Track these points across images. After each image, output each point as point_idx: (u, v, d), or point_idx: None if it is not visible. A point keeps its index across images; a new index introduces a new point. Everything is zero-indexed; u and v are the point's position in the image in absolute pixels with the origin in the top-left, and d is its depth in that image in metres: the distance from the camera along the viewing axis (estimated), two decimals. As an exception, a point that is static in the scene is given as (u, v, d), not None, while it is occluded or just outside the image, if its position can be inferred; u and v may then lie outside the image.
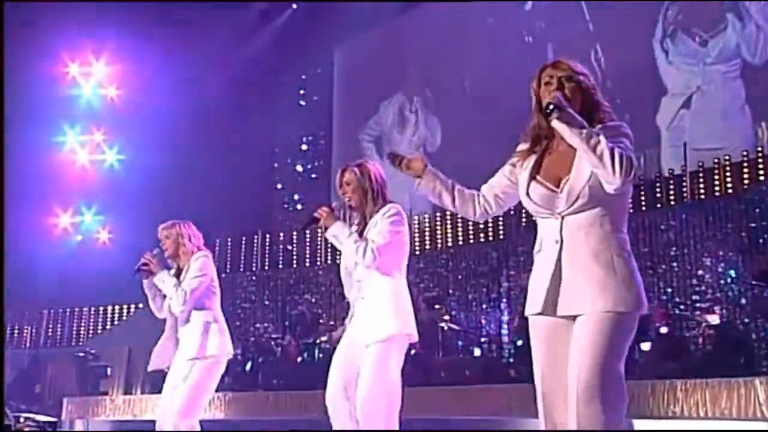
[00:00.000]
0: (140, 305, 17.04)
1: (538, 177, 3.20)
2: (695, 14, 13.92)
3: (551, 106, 2.85)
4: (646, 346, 8.63)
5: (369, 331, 4.23)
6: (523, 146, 3.33)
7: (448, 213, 14.70)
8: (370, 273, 4.26)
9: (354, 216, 4.53)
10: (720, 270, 10.48)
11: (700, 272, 10.80)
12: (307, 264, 16.16)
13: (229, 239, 17.23)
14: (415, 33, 17.18)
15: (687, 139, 13.08)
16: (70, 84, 19.29)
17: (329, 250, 15.63)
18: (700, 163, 12.18)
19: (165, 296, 5.48)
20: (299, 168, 18.97)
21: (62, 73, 19.09)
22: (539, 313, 3.11)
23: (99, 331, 17.86)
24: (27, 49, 17.09)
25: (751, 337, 8.96)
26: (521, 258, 12.51)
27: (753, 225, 10.60)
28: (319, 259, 16.21)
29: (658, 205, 12.12)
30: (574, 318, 3.03)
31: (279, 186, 18.98)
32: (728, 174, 11.78)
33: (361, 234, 4.29)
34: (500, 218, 12.90)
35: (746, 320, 9.43)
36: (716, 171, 11.89)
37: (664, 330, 9.20)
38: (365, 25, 17.45)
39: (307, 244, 16.45)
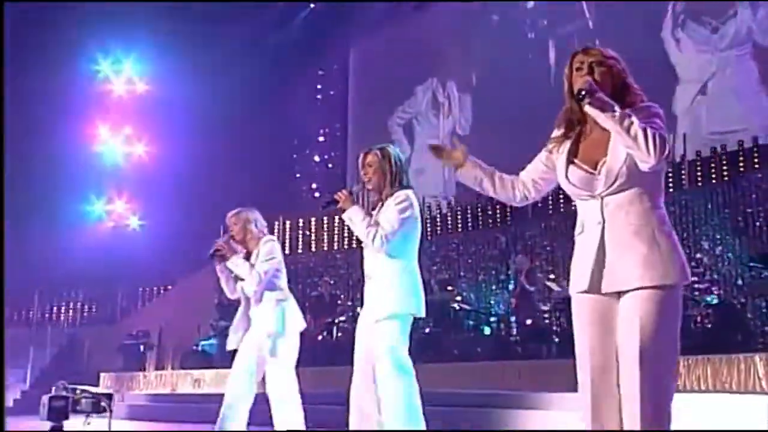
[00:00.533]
0: (168, 287, 17.30)
1: (576, 161, 3.16)
2: (705, 3, 13.81)
3: (583, 92, 2.82)
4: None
5: (377, 309, 4.28)
6: (557, 132, 3.27)
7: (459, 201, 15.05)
8: (379, 255, 4.30)
9: (374, 198, 4.57)
10: (717, 253, 10.42)
11: (698, 255, 10.68)
12: (326, 248, 16.10)
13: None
14: (426, 30, 17.05)
15: (704, 124, 13.17)
16: (102, 81, 19.32)
17: (347, 235, 15.61)
18: (723, 146, 12.16)
19: (237, 279, 5.54)
20: (316, 158, 18.99)
21: (94, 70, 19.12)
22: (585, 291, 3.05)
23: (131, 312, 17.73)
24: (60, 48, 17.31)
25: (748, 316, 8.81)
26: (528, 242, 12.58)
27: (749, 210, 10.63)
28: (337, 243, 16.15)
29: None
30: (619, 294, 3.00)
31: (297, 175, 18.96)
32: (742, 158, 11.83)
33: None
34: (507, 206, 12.68)
35: (743, 300, 9.31)
36: (722, 158, 11.98)
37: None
38: (378, 25, 17.44)
39: (325, 230, 16.46)
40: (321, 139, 18.91)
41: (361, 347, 4.38)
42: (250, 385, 5.38)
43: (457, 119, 16.84)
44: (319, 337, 12.69)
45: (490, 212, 13.89)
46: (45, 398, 3.67)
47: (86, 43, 18.61)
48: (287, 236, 17.01)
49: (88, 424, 3.59)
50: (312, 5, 18.22)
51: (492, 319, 11.43)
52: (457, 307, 11.33)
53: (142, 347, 14.40)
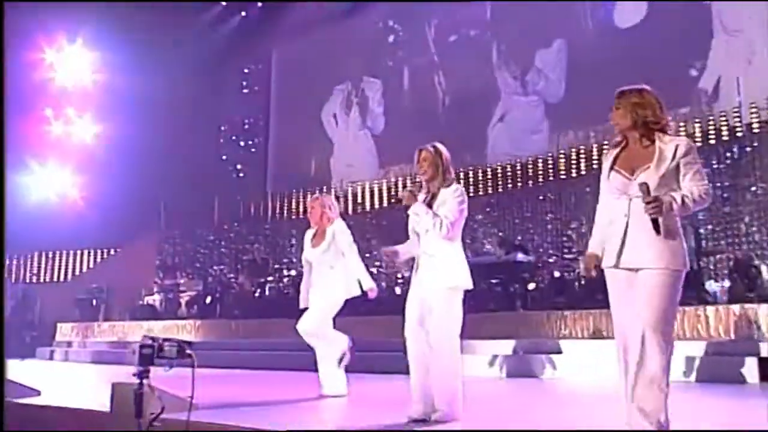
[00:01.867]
0: (111, 251, 17.21)
1: (616, 167, 3.50)
2: (516, 52, 14.84)
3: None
4: (532, 285, 9.57)
5: (441, 279, 4.37)
6: (612, 145, 3.70)
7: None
8: (439, 239, 4.42)
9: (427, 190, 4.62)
10: (583, 231, 11.11)
11: (569, 232, 11.70)
12: (256, 219, 16.19)
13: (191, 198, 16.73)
14: (341, 38, 17.25)
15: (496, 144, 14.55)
16: (48, 68, 18.62)
17: (273, 208, 16.11)
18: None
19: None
20: (241, 143, 18.86)
21: (39, 59, 18.45)
22: (614, 266, 3.47)
23: (77, 272, 17.50)
24: (7, 34, 16.72)
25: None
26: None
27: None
28: (267, 216, 16.31)
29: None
30: (636, 270, 3.39)
31: (224, 157, 18.80)
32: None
33: (429, 204, 4.46)
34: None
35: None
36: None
37: (556, 274, 10.30)
38: (299, 31, 17.49)
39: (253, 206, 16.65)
40: (246, 127, 18.79)
41: (415, 312, 4.48)
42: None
43: (367, 117, 17.18)
44: (256, 294, 13.03)
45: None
46: (135, 346, 4.00)
47: (32, 31, 17.72)
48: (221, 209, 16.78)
49: (168, 369, 3.97)
50: (243, 13, 18.06)
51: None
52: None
53: (95, 301, 14.31)
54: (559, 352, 7.41)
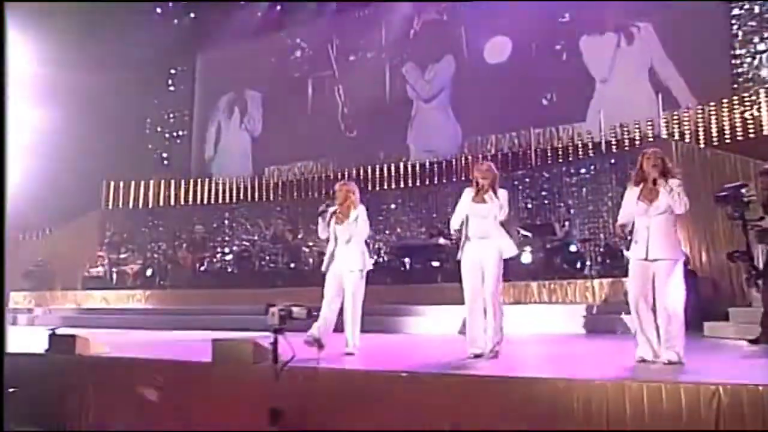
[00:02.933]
0: (47, 230, 16.53)
1: (641, 199, 4.72)
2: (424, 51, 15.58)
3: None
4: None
5: (504, 251, 5.18)
6: (631, 183, 4.86)
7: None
8: (495, 222, 5.19)
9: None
10: None
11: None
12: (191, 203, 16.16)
13: (133, 182, 16.54)
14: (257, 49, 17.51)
15: (413, 144, 15.20)
16: None
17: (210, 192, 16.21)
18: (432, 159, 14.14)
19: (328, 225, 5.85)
20: (166, 134, 18.72)
21: None
22: (642, 259, 4.65)
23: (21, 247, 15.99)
24: None
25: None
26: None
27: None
28: (202, 199, 16.29)
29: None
30: (654, 260, 4.59)
31: (149, 146, 18.63)
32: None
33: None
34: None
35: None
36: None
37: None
38: (219, 40, 17.50)
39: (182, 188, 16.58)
40: (171, 120, 18.73)
41: (477, 274, 5.17)
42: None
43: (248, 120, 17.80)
44: (200, 268, 13.48)
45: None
46: (275, 309, 4.19)
47: None
48: (154, 192, 16.54)
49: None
50: (175, 21, 18.02)
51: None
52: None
53: (44, 273, 14.36)
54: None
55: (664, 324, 4.47)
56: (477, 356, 5.05)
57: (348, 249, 5.78)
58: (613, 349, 6.04)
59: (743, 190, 5.89)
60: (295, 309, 4.32)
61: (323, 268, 5.90)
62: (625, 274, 5.04)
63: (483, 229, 5.20)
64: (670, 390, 3.34)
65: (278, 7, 17.17)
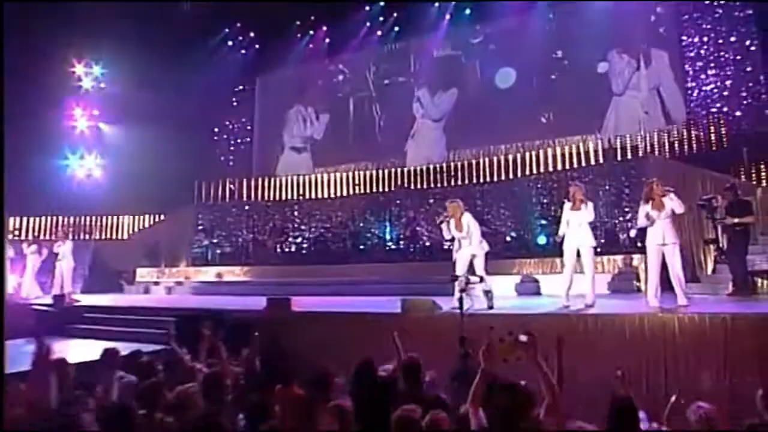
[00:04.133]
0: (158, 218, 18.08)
1: (650, 209, 6.50)
2: (439, 79, 17.35)
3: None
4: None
5: (588, 240, 7.04)
6: (642, 201, 6.65)
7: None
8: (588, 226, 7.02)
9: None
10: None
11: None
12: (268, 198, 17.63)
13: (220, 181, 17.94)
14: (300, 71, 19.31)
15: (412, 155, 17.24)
16: (77, 78, 19.76)
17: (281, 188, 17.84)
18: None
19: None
20: (231, 142, 20.36)
21: (71, 71, 19.62)
22: (661, 244, 6.46)
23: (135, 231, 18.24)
24: (49, 53, 17.62)
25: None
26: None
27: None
28: (276, 194, 17.85)
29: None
30: (664, 245, 6.44)
31: (217, 151, 20.32)
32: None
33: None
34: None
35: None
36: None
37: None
38: (275, 65, 19.39)
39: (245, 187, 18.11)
40: (235, 130, 20.31)
41: (573, 254, 7.02)
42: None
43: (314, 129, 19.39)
44: (279, 249, 15.38)
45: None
46: (463, 279, 6.18)
47: (66, 53, 19.11)
48: (237, 189, 17.97)
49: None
50: (242, 51, 19.63)
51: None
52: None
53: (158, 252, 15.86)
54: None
55: (676, 282, 6.53)
56: (566, 306, 7.12)
57: (469, 242, 7.50)
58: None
59: (713, 201, 8.15)
60: (471, 277, 6.60)
61: (454, 254, 7.62)
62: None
63: (578, 233, 7.15)
64: (694, 318, 5.60)
65: (326, 39, 18.93)
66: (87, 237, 17.46)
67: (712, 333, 5.36)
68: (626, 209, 11.78)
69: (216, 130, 20.49)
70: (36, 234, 17.72)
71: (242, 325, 7.01)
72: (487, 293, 7.40)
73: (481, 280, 6.61)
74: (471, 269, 7.45)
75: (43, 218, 18.19)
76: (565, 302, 7.15)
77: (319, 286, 12.24)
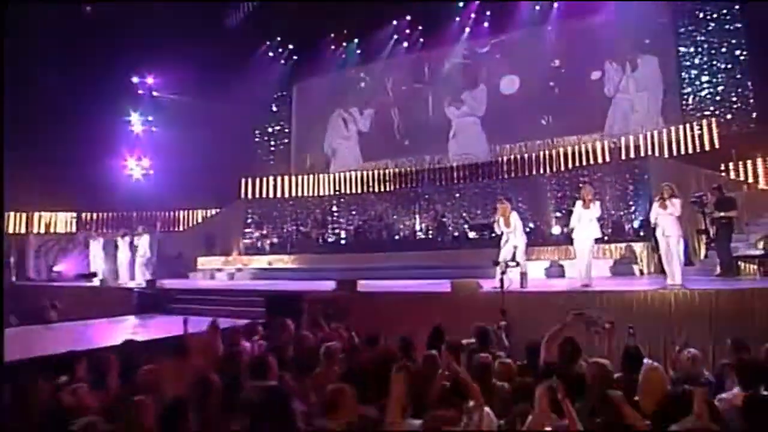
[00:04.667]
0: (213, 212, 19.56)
1: (660, 207, 7.46)
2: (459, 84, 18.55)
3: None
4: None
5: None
6: (654, 200, 7.68)
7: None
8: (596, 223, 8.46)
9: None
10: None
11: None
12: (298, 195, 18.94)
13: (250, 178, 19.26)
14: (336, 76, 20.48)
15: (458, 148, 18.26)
16: (134, 88, 21.15)
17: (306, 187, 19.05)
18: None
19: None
20: (271, 142, 21.59)
21: (130, 82, 21.03)
22: (663, 236, 7.52)
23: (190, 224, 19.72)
24: (109, 67, 18.82)
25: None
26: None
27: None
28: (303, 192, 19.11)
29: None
30: (668, 236, 7.45)
31: (258, 151, 21.55)
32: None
33: None
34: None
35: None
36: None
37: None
38: (308, 75, 20.66)
39: (287, 184, 19.26)
40: (275, 132, 21.59)
41: (589, 242, 8.49)
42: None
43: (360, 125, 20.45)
44: (321, 240, 16.62)
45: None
46: (504, 263, 7.62)
47: (125, 67, 20.30)
48: (280, 185, 19.21)
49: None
50: (282, 61, 20.81)
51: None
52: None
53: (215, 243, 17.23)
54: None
55: (677, 266, 7.66)
56: (585, 285, 8.40)
57: (515, 235, 8.74)
58: (641, 281, 9.53)
59: (703, 197, 9.41)
60: (510, 263, 7.91)
61: (502, 244, 8.77)
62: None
63: (588, 222, 8.38)
64: (687, 293, 6.91)
65: (358, 50, 20.16)
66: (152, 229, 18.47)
67: (700, 304, 6.65)
68: (630, 203, 13.06)
69: (257, 132, 21.77)
70: (103, 228, 19.23)
71: (318, 301, 8.34)
72: (523, 275, 8.65)
73: (517, 264, 7.91)
74: (512, 256, 8.67)
75: (109, 213, 19.74)
76: (584, 282, 8.43)
77: (359, 272, 13.31)
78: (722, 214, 8.96)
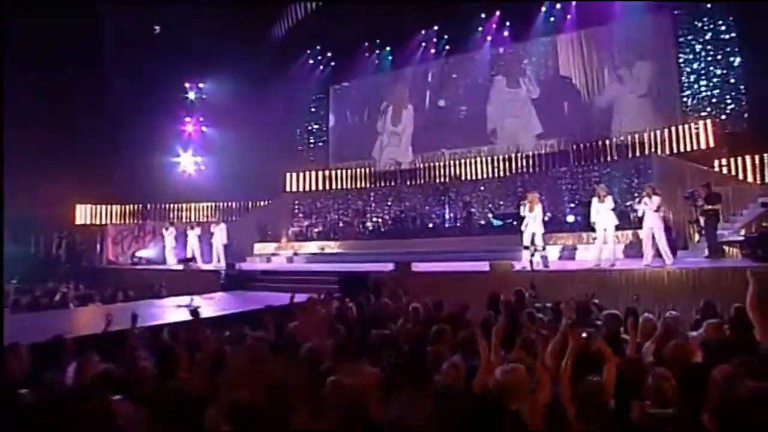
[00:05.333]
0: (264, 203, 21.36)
1: (644, 203, 9.46)
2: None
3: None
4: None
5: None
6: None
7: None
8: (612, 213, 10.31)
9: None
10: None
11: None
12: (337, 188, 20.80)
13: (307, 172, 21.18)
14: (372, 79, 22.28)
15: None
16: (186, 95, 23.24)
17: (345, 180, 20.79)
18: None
19: None
20: (311, 140, 23.26)
21: (183, 86, 23.08)
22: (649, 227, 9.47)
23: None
24: (165, 74, 20.75)
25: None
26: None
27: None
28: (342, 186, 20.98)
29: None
30: (650, 228, 9.51)
31: (300, 147, 23.17)
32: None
33: None
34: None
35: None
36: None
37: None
38: (343, 78, 22.34)
39: (327, 177, 21.14)
40: (313, 131, 23.25)
41: (602, 230, 10.08)
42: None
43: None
44: (361, 228, 18.32)
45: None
46: (532, 248, 9.65)
47: (178, 74, 22.24)
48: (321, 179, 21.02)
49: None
50: (321, 67, 22.45)
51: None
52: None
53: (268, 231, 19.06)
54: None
55: (661, 250, 9.48)
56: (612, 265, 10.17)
57: (535, 222, 10.46)
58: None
59: (695, 193, 11.15)
60: (538, 247, 9.73)
61: (523, 228, 10.46)
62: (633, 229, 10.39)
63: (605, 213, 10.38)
64: (677, 271, 8.71)
65: (390, 57, 21.85)
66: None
67: (686, 279, 8.46)
68: (635, 195, 14.67)
69: (298, 131, 23.55)
70: (163, 217, 21.21)
71: (382, 279, 10.27)
72: (544, 257, 10.51)
73: (544, 248, 9.76)
74: (532, 242, 10.50)
75: (168, 205, 21.72)
76: (596, 263, 10.25)
77: (399, 255, 15.10)
78: (710, 207, 10.68)
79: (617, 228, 10.89)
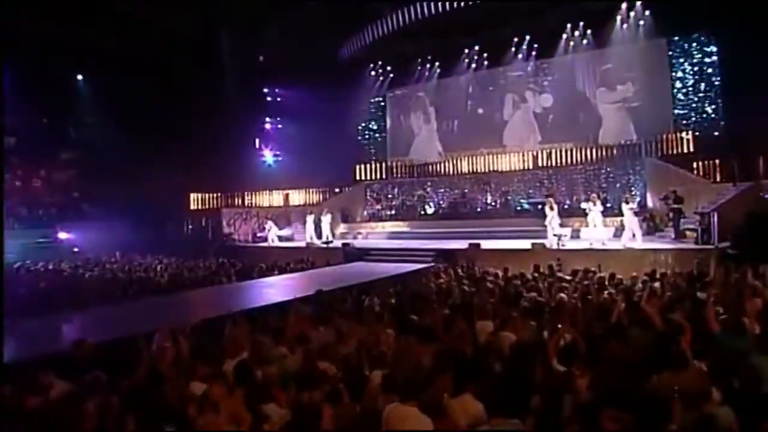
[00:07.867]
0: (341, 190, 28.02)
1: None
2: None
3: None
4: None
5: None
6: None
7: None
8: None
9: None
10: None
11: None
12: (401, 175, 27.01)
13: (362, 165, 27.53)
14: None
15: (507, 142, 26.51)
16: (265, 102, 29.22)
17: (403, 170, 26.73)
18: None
19: None
20: (372, 137, 29.04)
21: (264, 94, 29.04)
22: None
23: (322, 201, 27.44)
24: (246, 81, 26.88)
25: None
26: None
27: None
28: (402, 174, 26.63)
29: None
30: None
31: (363, 143, 29.06)
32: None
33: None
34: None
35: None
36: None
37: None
38: (397, 85, 28.09)
39: (389, 166, 27.04)
40: (373, 129, 29.07)
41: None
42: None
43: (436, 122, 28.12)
44: (421, 212, 24.19)
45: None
46: (559, 232, 16.27)
47: (258, 80, 28.24)
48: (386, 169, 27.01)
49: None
50: (381, 78, 28.37)
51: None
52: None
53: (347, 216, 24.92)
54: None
55: (639, 235, 15.70)
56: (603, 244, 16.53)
57: (554, 218, 16.75)
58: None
59: (667, 196, 17.34)
60: (563, 231, 16.01)
61: (546, 222, 17.03)
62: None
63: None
64: (646, 250, 14.98)
65: (437, 69, 27.73)
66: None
67: (652, 256, 14.70)
68: (632, 190, 20.93)
69: (359, 128, 29.53)
70: (249, 204, 27.44)
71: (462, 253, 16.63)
72: (559, 238, 16.77)
73: (566, 236, 16.07)
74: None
75: (263, 193, 27.96)
76: (604, 243, 16.43)
77: (456, 233, 21.30)
78: (676, 205, 16.89)
79: (605, 216, 16.85)
